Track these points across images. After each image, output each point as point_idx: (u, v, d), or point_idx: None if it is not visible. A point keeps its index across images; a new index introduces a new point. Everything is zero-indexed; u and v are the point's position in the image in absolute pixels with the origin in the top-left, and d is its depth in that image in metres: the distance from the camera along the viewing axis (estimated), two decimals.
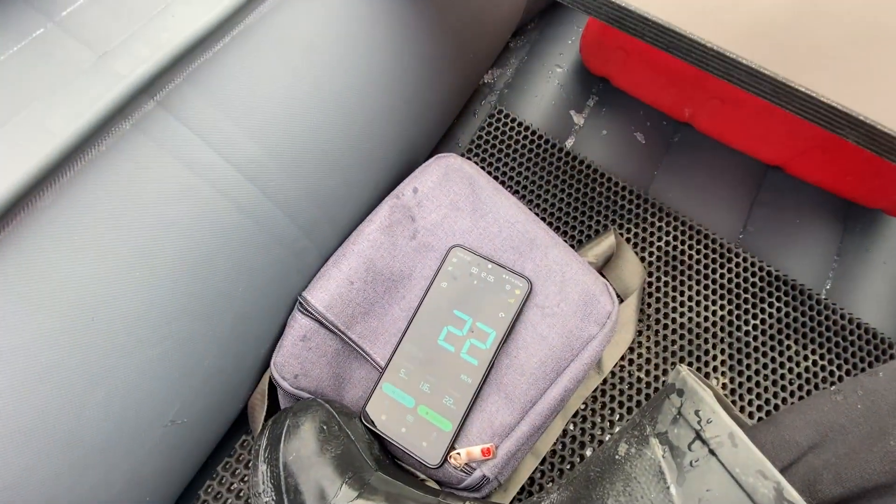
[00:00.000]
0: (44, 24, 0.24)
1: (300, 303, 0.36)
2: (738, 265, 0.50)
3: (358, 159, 0.36)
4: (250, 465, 0.36)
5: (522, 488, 0.41)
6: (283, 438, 0.33)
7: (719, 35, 0.26)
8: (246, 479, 0.41)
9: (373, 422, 0.37)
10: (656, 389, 0.45)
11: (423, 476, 0.37)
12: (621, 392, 0.45)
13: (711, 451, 0.24)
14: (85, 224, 0.24)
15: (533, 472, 0.42)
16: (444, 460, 0.35)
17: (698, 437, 0.25)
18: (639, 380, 0.45)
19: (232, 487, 0.40)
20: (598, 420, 0.44)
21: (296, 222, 0.33)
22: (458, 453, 0.35)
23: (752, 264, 0.50)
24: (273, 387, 0.38)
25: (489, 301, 0.39)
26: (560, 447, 0.43)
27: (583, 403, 0.44)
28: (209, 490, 0.40)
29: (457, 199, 0.41)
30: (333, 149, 0.33)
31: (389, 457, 0.38)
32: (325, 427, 0.34)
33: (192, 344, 0.29)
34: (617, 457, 0.28)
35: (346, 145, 0.34)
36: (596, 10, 0.28)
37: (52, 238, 0.23)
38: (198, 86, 0.27)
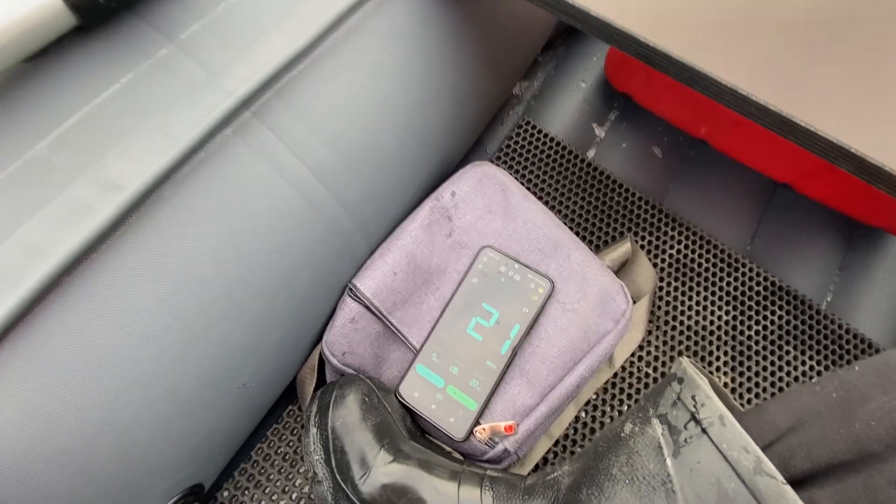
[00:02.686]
0: (166, 46, 0.29)
1: (350, 289, 0.41)
2: (744, 274, 0.54)
3: (406, 164, 0.41)
4: (303, 428, 0.41)
5: (537, 466, 0.46)
6: (331, 406, 0.38)
7: (733, 73, 0.30)
8: (291, 444, 0.46)
9: (406, 398, 0.41)
10: None
11: (449, 448, 0.42)
12: (630, 385, 0.49)
13: (703, 430, 0.28)
14: (194, 212, 0.29)
15: (547, 452, 0.46)
16: (469, 435, 0.40)
17: (693, 418, 0.28)
18: (647, 375, 0.50)
19: (279, 451, 0.45)
20: (608, 409, 0.48)
21: (352, 218, 0.38)
22: (483, 428, 0.40)
23: (758, 274, 0.54)
24: (322, 361, 0.43)
25: (515, 297, 0.43)
26: (572, 432, 0.47)
27: (595, 393, 0.49)
28: (259, 451, 0.45)
29: (490, 203, 0.46)
30: (388, 155, 0.38)
31: (420, 430, 0.42)
32: (366, 399, 0.39)
33: (264, 318, 0.34)
34: (623, 434, 0.32)
35: (397, 152, 0.39)
36: (626, 47, 0.32)
37: (170, 222, 0.28)
38: (284, 99, 0.32)
